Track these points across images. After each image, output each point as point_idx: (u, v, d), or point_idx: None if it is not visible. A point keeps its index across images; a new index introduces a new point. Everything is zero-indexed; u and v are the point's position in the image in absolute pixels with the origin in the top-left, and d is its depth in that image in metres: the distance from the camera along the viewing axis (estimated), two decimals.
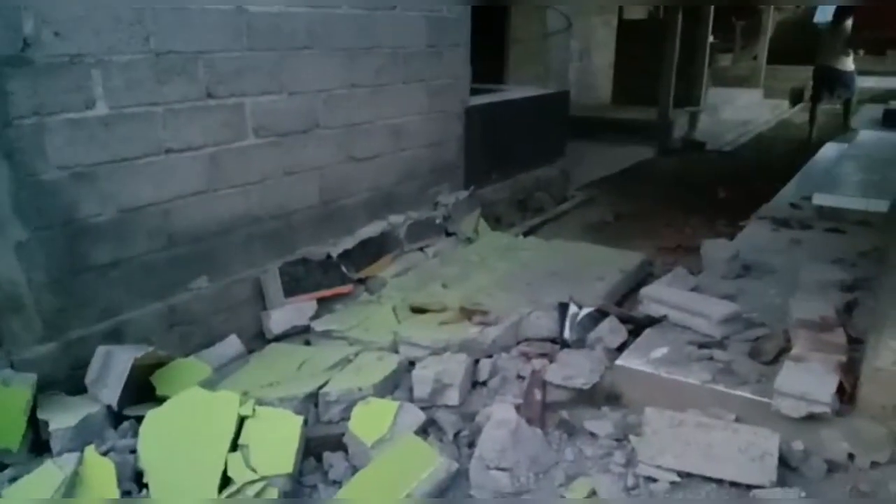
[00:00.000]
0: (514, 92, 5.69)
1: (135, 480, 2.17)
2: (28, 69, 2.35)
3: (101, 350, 2.47)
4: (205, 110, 2.99)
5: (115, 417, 2.43)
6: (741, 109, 11.48)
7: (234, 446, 2.20)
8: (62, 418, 2.29)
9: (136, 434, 2.26)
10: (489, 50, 6.55)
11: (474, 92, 4.94)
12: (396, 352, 2.95)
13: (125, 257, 2.75)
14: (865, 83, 10.85)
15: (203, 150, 3.01)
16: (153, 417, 2.24)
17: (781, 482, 2.14)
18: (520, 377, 2.76)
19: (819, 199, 4.83)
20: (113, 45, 2.60)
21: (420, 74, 4.26)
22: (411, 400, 2.62)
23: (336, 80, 3.66)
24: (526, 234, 4.82)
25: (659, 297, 3.11)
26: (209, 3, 2.92)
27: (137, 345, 2.63)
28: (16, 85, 2.33)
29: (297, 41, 3.38)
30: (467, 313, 3.16)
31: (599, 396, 2.70)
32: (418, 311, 3.26)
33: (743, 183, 6.81)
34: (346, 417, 2.48)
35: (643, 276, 3.99)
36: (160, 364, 2.60)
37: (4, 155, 2.33)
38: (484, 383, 2.79)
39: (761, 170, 7.52)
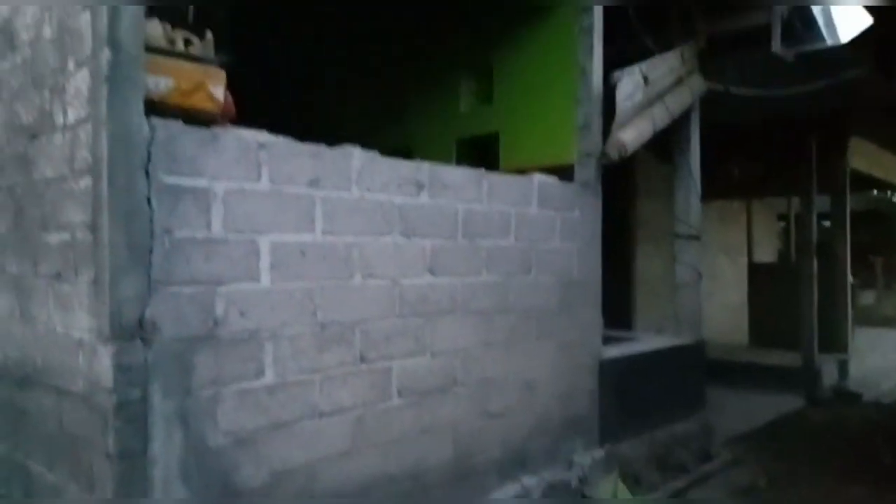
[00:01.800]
0: (646, 342, 5.66)
1: None
2: (213, 344, 2.67)
3: None
4: (356, 375, 3.20)
5: None
6: (894, 353, 10.62)
7: None
8: None
9: None
10: (616, 292, 6.69)
11: (605, 340, 4.97)
12: None
13: None
14: None
15: (351, 413, 3.16)
16: None
17: None
18: None
19: None
20: (285, 319, 2.92)
21: (551, 330, 4.37)
22: None
23: (473, 339, 3.83)
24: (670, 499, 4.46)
25: None
26: (369, 278, 3.26)
27: None
28: (202, 359, 2.63)
29: (441, 307, 3.64)
30: None
31: None
32: None
33: None
34: None
35: None
36: None
37: (182, 423, 2.56)
38: None
39: None
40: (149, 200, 2.46)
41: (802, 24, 5.64)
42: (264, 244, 2.82)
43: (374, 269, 3.28)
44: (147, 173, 2.44)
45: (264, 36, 5.83)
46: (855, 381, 8.76)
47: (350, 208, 3.16)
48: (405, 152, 5.50)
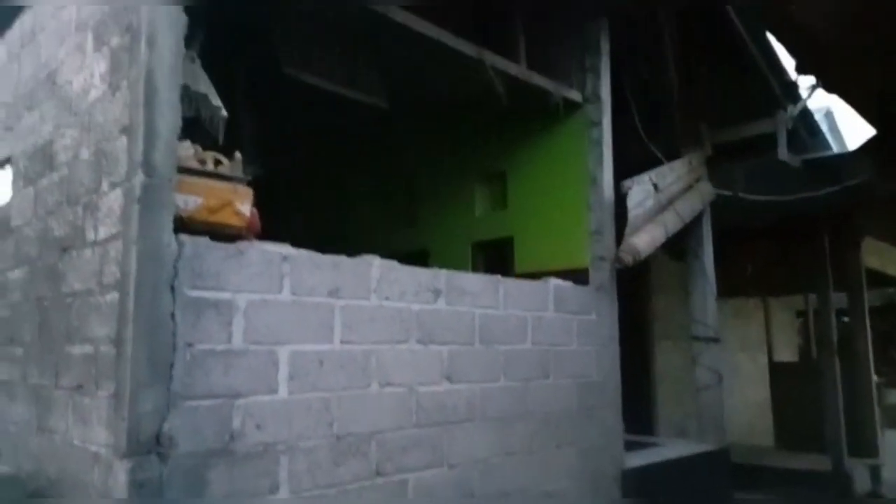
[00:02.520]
0: (670, 449, 5.49)
1: None
2: (229, 459, 2.63)
3: None
4: (371, 489, 3.11)
5: None
6: None
7: None
8: None
9: None
10: (636, 390, 6.55)
11: (628, 445, 4.82)
12: None
13: None
14: None
15: None
16: None
17: None
18: None
19: None
20: (301, 432, 2.88)
21: (572, 437, 4.26)
22: None
23: (491, 448, 3.74)
24: None
25: None
26: (386, 386, 3.24)
27: None
28: (216, 474, 2.58)
29: (458, 415, 3.58)
30: None
31: None
32: None
33: None
34: None
35: None
36: None
37: None
38: None
39: None
40: (172, 315, 2.50)
41: (807, 132, 5.81)
42: (283, 355, 2.83)
43: (391, 377, 3.26)
44: (172, 288, 2.50)
45: (286, 144, 6.07)
46: (889, 486, 8.36)
47: (368, 317, 3.19)
48: (422, 254, 5.60)
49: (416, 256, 5.32)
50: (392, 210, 6.16)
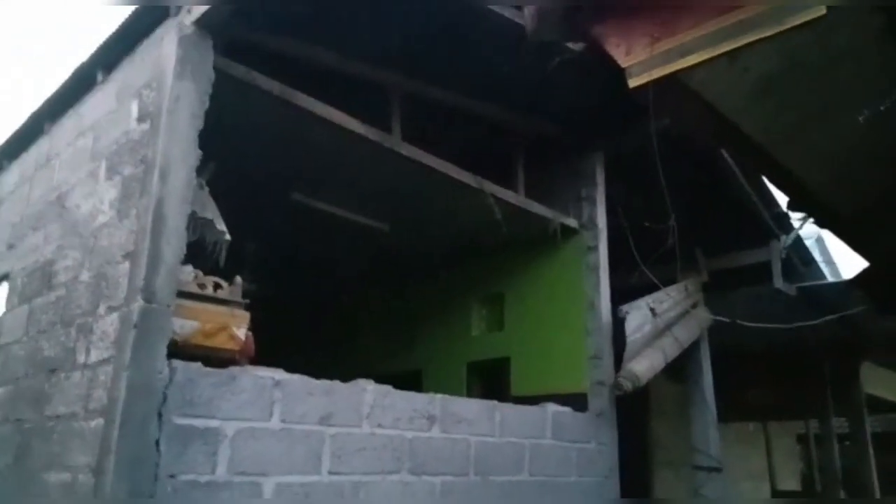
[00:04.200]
0: None
1: None
2: None
3: None
4: None
5: None
6: None
7: None
8: None
9: None
10: None
11: None
12: None
13: None
14: None
15: None
16: None
17: None
18: None
19: None
20: None
21: None
22: None
23: None
24: None
25: None
26: None
27: None
28: None
29: None
30: None
31: None
32: None
33: None
34: None
35: None
36: None
37: None
38: None
39: None
40: (157, 443, 2.42)
41: (801, 261, 5.89)
42: (268, 486, 2.71)
43: None
44: (160, 415, 2.43)
45: (289, 264, 6.11)
46: None
47: (360, 446, 3.08)
48: (416, 374, 5.49)
49: (410, 377, 5.22)
50: (391, 330, 6.11)
